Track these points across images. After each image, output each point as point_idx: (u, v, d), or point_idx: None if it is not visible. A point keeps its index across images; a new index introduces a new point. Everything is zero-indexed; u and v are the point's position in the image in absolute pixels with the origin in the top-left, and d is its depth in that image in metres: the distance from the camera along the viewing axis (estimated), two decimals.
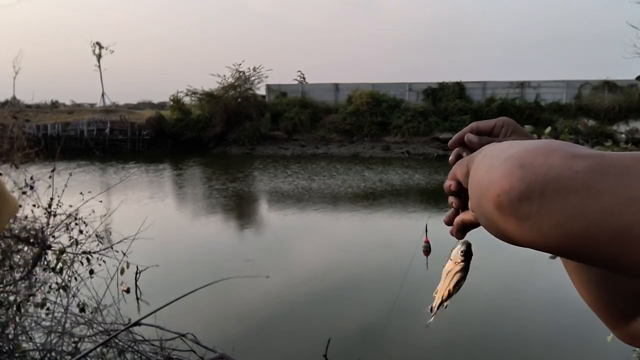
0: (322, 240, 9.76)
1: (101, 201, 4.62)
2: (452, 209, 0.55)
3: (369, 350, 4.81)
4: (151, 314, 3.13)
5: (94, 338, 3.23)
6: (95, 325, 3.38)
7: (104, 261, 4.09)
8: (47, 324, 3.37)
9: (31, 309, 3.43)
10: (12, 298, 3.45)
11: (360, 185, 15.98)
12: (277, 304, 6.04)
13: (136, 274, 6.01)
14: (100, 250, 4.18)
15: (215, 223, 11.31)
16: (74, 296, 3.64)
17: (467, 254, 0.59)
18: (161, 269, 5.95)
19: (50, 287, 3.74)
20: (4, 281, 3.56)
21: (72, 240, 3.98)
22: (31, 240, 3.86)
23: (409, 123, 26.36)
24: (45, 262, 3.86)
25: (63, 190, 4.09)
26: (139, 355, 3.12)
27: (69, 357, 3.07)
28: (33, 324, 3.37)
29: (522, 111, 25.57)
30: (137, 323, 2.99)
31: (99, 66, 33.37)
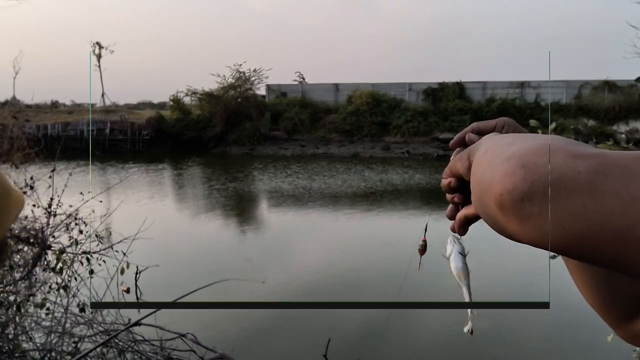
0: (322, 240, 9.76)
1: (101, 201, 4.63)
2: (452, 205, 0.55)
3: (369, 350, 4.82)
4: (151, 314, 3.13)
5: (94, 338, 3.23)
6: (95, 325, 3.38)
7: (104, 261, 4.09)
8: (47, 324, 3.37)
9: (31, 309, 3.43)
10: (12, 298, 3.45)
11: (361, 185, 15.98)
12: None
13: (136, 274, 6.00)
14: (100, 250, 4.18)
15: (215, 223, 11.31)
16: (74, 296, 3.64)
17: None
18: (161, 269, 5.95)
19: (50, 287, 3.74)
20: (4, 281, 3.56)
21: (72, 240, 3.98)
22: (31, 240, 3.86)
23: (409, 123, 26.37)
24: (45, 262, 3.86)
25: (63, 190, 4.09)
26: (139, 355, 3.12)
27: (69, 357, 3.07)
28: (33, 324, 3.37)
29: (522, 111, 25.55)
30: (137, 323, 2.99)
31: (99, 66, 33.37)
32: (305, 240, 9.91)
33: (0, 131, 4.77)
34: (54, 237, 4.00)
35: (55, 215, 4.04)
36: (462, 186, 0.52)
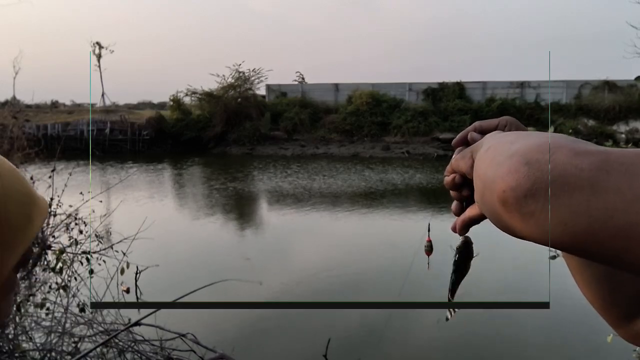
0: (323, 239, 9.76)
1: (101, 201, 4.63)
2: (457, 201, 0.55)
3: (369, 350, 4.81)
4: (151, 314, 3.13)
5: (94, 338, 3.23)
6: (95, 325, 3.38)
7: (104, 261, 4.09)
8: (47, 324, 3.37)
9: (31, 309, 3.43)
10: None
11: (361, 184, 15.99)
12: None
13: (136, 274, 6.00)
14: (100, 250, 4.18)
15: (215, 223, 11.31)
16: (74, 296, 3.64)
17: (469, 251, 0.59)
18: (161, 269, 5.96)
19: (50, 287, 3.74)
20: None
21: (71, 240, 3.98)
22: None
23: (409, 123, 26.37)
24: (45, 262, 3.86)
25: (63, 190, 4.09)
26: (139, 355, 3.12)
27: (69, 357, 3.07)
28: (33, 324, 3.37)
29: (522, 111, 25.56)
30: (137, 323, 2.99)
31: (99, 66, 33.35)
32: (305, 239, 9.91)
33: (0, 131, 4.77)
34: (54, 237, 4.00)
35: (55, 215, 4.04)
36: (466, 182, 0.52)
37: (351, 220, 11.26)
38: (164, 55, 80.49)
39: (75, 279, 3.84)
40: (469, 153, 0.47)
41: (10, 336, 3.18)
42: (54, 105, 34.16)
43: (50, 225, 3.99)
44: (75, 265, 3.92)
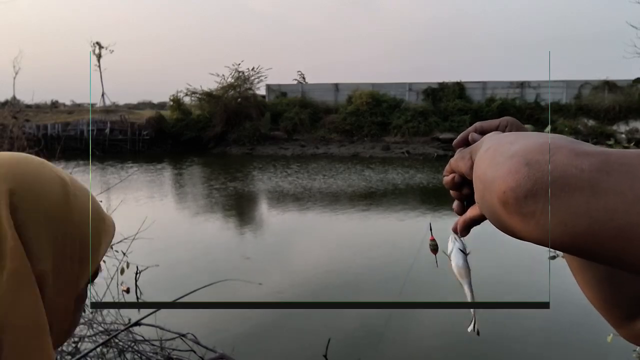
0: (323, 239, 9.76)
1: (101, 201, 4.61)
2: (458, 200, 0.55)
3: (369, 350, 4.81)
4: (151, 314, 3.14)
5: (94, 338, 3.23)
6: (95, 325, 3.37)
7: (104, 261, 4.07)
8: None
9: None
10: None
11: (361, 184, 15.99)
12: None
13: (136, 274, 6.00)
14: None
15: (215, 222, 11.30)
16: None
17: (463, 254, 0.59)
18: (161, 269, 5.96)
19: None
20: None
21: None
22: None
23: (409, 123, 26.37)
24: None
25: None
26: (139, 355, 3.12)
27: (69, 357, 3.07)
28: None
29: (522, 111, 25.56)
30: (137, 323, 2.99)
31: (99, 66, 33.37)
32: (305, 239, 9.91)
33: (0, 131, 4.77)
34: None
35: None
36: (466, 182, 0.52)
37: (351, 220, 11.25)
38: (164, 55, 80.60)
39: None
40: (468, 154, 0.47)
41: None
42: (54, 105, 34.17)
43: None
44: None
